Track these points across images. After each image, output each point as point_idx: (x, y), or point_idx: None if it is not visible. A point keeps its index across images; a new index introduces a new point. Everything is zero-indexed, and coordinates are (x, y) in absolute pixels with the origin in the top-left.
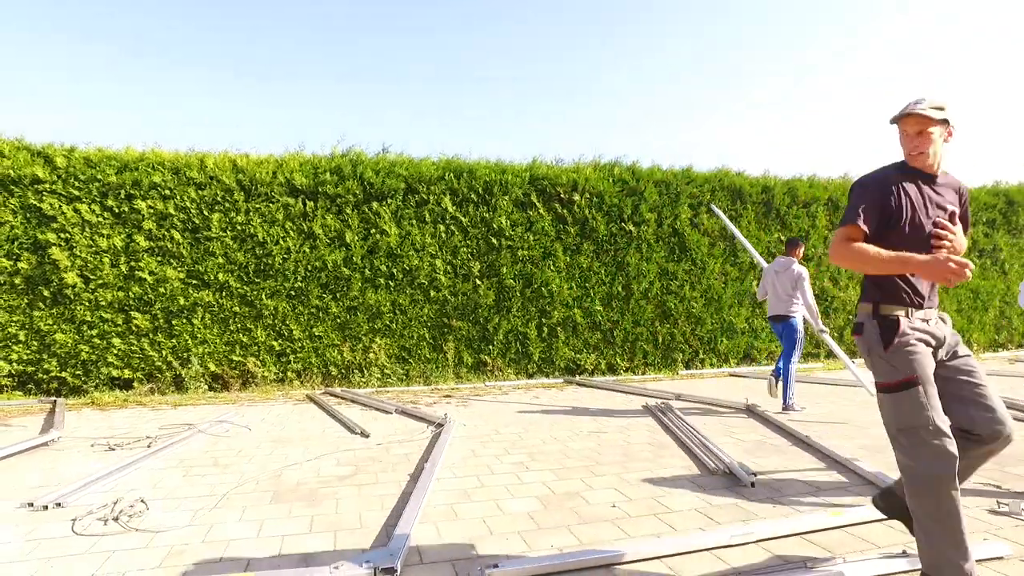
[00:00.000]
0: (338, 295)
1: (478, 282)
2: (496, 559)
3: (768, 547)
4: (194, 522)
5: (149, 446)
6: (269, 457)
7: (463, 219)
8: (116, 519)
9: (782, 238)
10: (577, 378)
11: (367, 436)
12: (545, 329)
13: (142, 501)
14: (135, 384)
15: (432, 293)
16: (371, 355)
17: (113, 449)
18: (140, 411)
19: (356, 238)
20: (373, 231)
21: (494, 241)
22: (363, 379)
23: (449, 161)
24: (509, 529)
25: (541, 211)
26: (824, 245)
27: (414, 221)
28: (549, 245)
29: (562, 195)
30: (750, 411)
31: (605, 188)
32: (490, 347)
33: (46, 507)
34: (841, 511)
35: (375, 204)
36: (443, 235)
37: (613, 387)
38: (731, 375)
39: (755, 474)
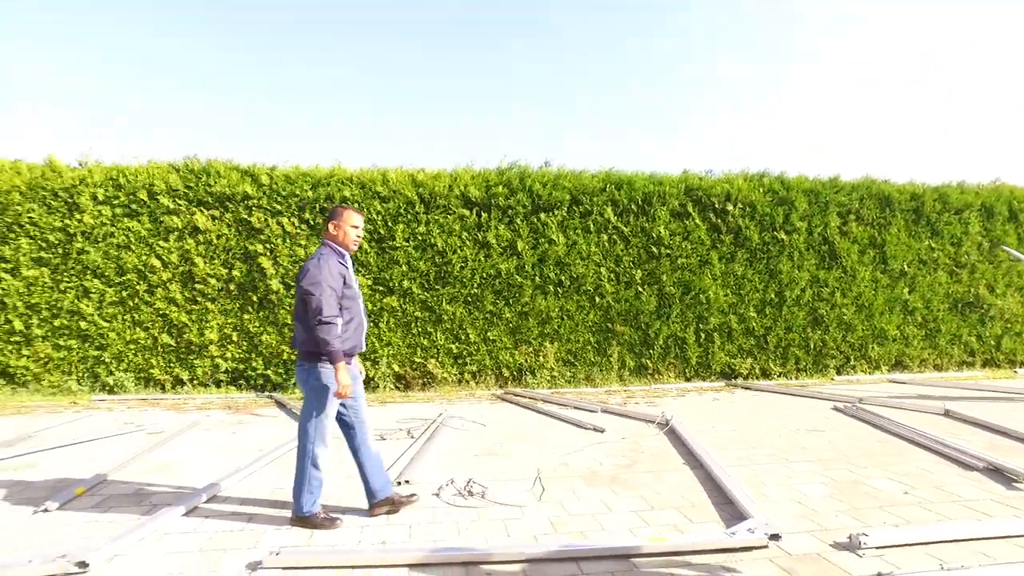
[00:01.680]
0: (511, 301)
1: (640, 289)
2: (850, 531)
3: None
4: (538, 498)
5: (410, 435)
6: (531, 448)
7: (624, 229)
8: (471, 493)
9: (933, 245)
10: (739, 382)
11: (602, 431)
12: (702, 334)
13: (473, 481)
14: None
15: (597, 299)
16: (541, 358)
17: (384, 439)
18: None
19: (527, 247)
20: (542, 240)
21: (654, 250)
22: (534, 381)
23: (609, 173)
24: (828, 508)
25: (697, 221)
26: (978, 252)
27: (579, 231)
28: (705, 253)
29: (716, 205)
30: (949, 414)
31: (756, 198)
32: (651, 351)
33: (398, 483)
34: None
35: (543, 215)
36: (606, 244)
37: (778, 390)
38: (891, 381)
39: None
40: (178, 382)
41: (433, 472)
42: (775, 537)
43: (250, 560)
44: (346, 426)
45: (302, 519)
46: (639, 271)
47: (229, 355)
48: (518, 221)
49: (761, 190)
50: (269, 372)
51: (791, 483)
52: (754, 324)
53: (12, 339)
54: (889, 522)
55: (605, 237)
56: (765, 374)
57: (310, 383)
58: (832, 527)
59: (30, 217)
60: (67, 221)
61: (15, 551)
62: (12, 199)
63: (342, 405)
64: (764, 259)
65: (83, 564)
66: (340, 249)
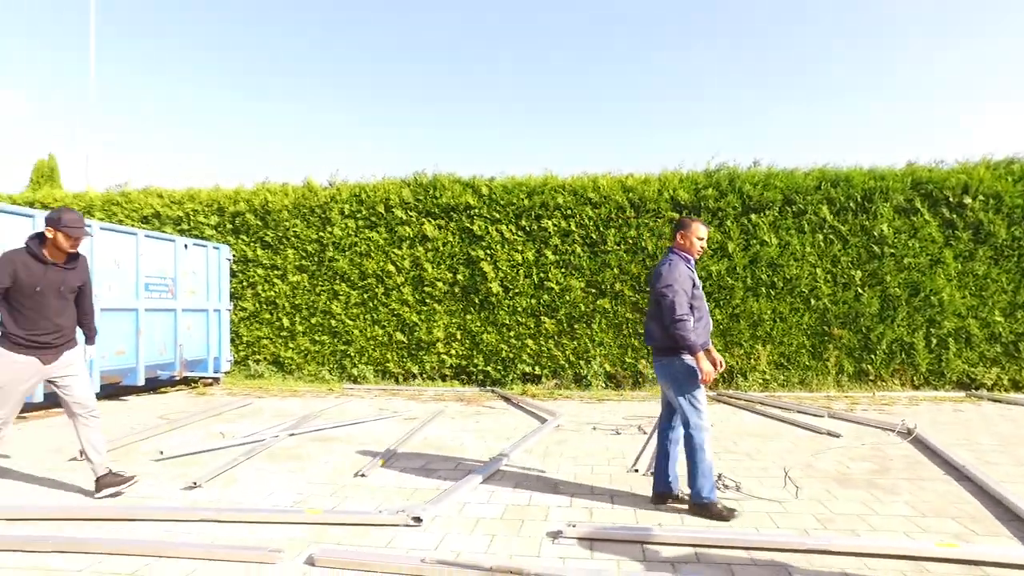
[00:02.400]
0: (721, 303)
1: (860, 290)
2: None
3: None
4: (794, 495)
5: (641, 430)
6: (767, 447)
7: (842, 228)
8: (726, 487)
9: None
10: (983, 393)
11: (838, 436)
12: (934, 339)
13: (723, 476)
14: (543, 379)
15: (812, 301)
16: (753, 361)
17: (619, 433)
18: (580, 403)
19: (737, 249)
20: (753, 242)
21: (876, 249)
22: (745, 384)
23: (823, 171)
24: None
25: (926, 216)
26: None
27: (792, 231)
28: (937, 252)
29: (950, 199)
30: None
31: (1003, 188)
32: (872, 356)
33: (651, 473)
34: None
35: (753, 216)
36: (822, 244)
37: None
38: None
39: None
40: (409, 375)
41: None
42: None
43: (550, 530)
44: (669, 415)
45: (702, 506)
46: (859, 272)
47: (453, 352)
48: (728, 223)
49: (1010, 179)
50: (489, 368)
51: None
52: (1000, 329)
53: (281, 334)
54: None
55: (820, 237)
56: (1016, 386)
57: (674, 375)
58: None
59: (295, 231)
60: (321, 233)
61: (360, 504)
62: (282, 216)
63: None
64: (1013, 257)
65: (417, 519)
66: (686, 255)
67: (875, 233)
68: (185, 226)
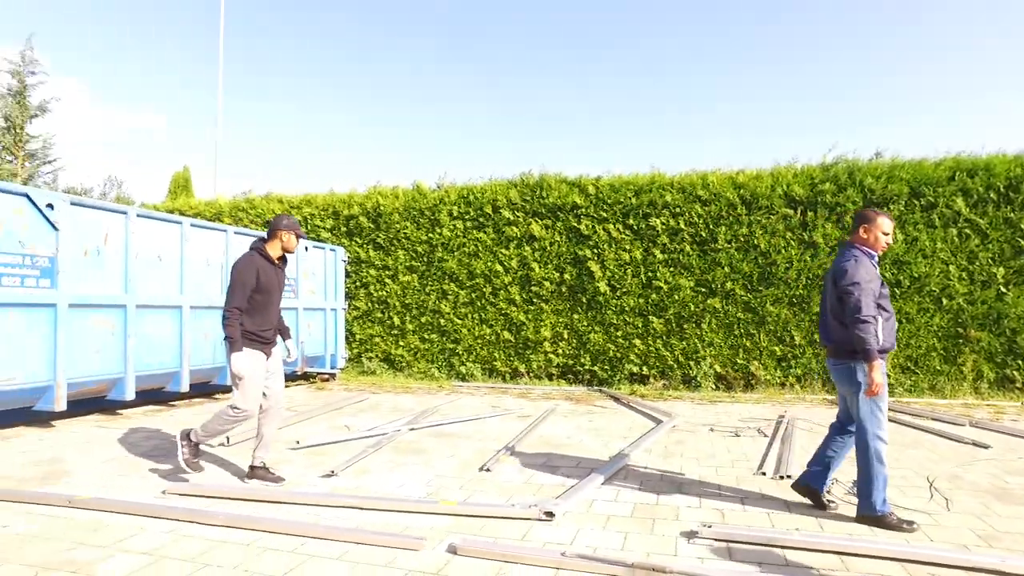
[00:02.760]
0: None
1: (1003, 290)
2: None
3: None
4: (945, 507)
5: (761, 433)
6: (904, 455)
7: (980, 221)
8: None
9: None
10: None
11: (987, 447)
12: None
13: (854, 482)
14: (650, 380)
15: (944, 301)
16: None
17: (738, 435)
18: (691, 404)
19: None
20: None
21: (1022, 243)
22: None
23: (958, 159)
24: None
25: None
26: None
27: (921, 226)
28: None
29: None
30: None
31: None
32: (1019, 362)
33: (781, 477)
34: None
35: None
36: (955, 239)
37: None
38: None
39: None
40: (516, 374)
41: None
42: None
43: (683, 530)
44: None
45: (875, 519)
46: (1001, 269)
47: (560, 351)
48: (848, 218)
49: None
50: (596, 368)
51: None
52: None
53: (392, 332)
54: None
55: (954, 231)
56: None
57: (854, 380)
58: None
59: (405, 233)
60: (430, 234)
61: (489, 497)
62: (393, 219)
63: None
64: None
65: (550, 514)
66: (870, 251)
67: (1022, 226)
68: (303, 229)
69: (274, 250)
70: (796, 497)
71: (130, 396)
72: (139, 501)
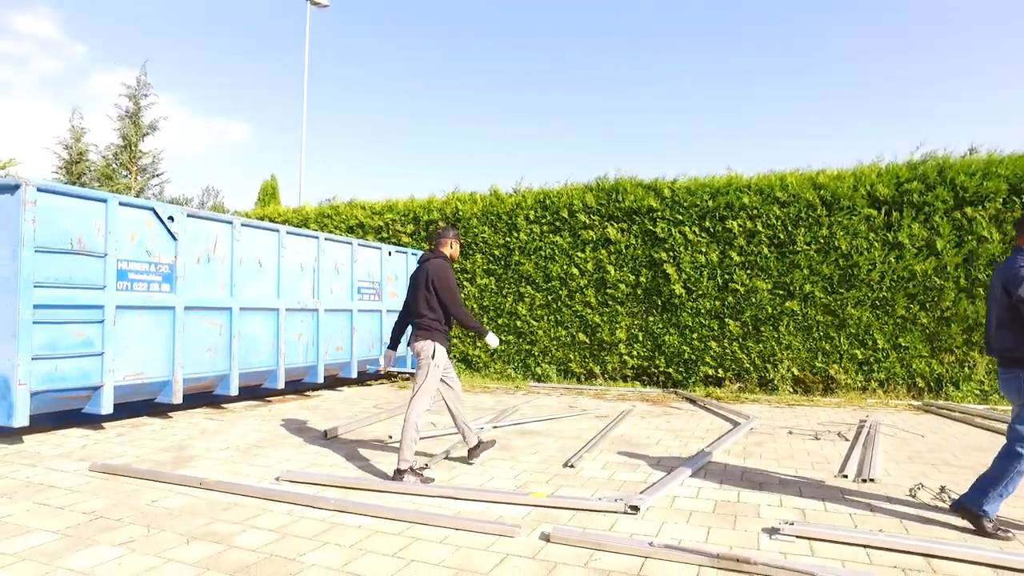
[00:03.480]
0: (927, 305)
1: None
2: None
3: None
4: None
5: (842, 436)
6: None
7: None
8: (952, 498)
9: None
10: None
11: None
12: None
13: (946, 488)
14: (725, 382)
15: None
16: (967, 369)
17: (818, 438)
18: (769, 407)
19: (948, 246)
20: (968, 238)
21: None
22: (958, 394)
23: None
24: None
25: None
26: None
27: None
28: None
29: None
30: None
31: None
32: None
33: (863, 480)
34: None
35: (969, 209)
36: None
37: None
38: None
39: None
40: (591, 375)
41: (893, 475)
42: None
43: (764, 526)
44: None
45: (974, 515)
46: None
47: (635, 353)
48: (936, 218)
49: None
50: (670, 370)
51: None
52: None
53: (470, 334)
54: None
55: None
56: None
57: (1020, 390)
58: None
59: (482, 236)
60: (507, 238)
61: (575, 491)
62: (471, 223)
63: None
64: None
65: (635, 508)
66: None
67: None
68: (385, 234)
69: (450, 257)
70: (878, 499)
71: (234, 392)
72: (259, 485)
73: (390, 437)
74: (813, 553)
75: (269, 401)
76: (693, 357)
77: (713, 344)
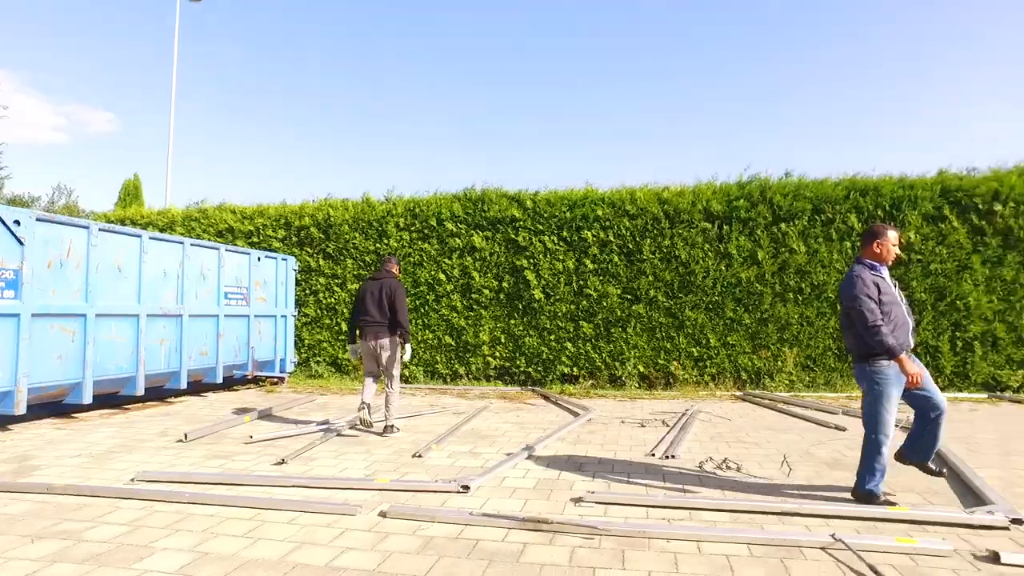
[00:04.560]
0: (750, 308)
1: None
2: None
3: None
4: (786, 475)
5: (665, 424)
6: (774, 438)
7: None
8: (728, 468)
9: None
10: (1007, 395)
11: (844, 430)
12: (959, 343)
13: (728, 459)
14: (580, 380)
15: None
16: (780, 363)
17: (644, 426)
18: (613, 401)
19: (767, 256)
20: (782, 250)
21: (903, 255)
22: (772, 384)
23: (853, 180)
24: None
25: (954, 223)
26: None
27: (821, 239)
28: (964, 258)
29: (979, 206)
30: None
31: None
32: None
33: (665, 457)
34: None
35: (783, 225)
36: (849, 251)
37: None
38: None
39: None
40: (456, 375)
41: (694, 452)
42: (1017, 521)
43: (573, 496)
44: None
45: (863, 495)
46: None
47: (498, 354)
48: (759, 232)
49: None
50: (530, 369)
51: None
52: None
53: (340, 337)
54: None
55: (848, 244)
56: None
57: (862, 380)
58: None
59: (354, 243)
60: (378, 245)
61: (419, 477)
62: (343, 229)
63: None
64: None
65: (466, 487)
66: (874, 263)
67: (902, 240)
68: (255, 239)
69: None
70: (672, 472)
71: (88, 400)
72: (112, 486)
73: (251, 437)
74: (606, 514)
75: (128, 408)
76: (551, 357)
77: (569, 345)
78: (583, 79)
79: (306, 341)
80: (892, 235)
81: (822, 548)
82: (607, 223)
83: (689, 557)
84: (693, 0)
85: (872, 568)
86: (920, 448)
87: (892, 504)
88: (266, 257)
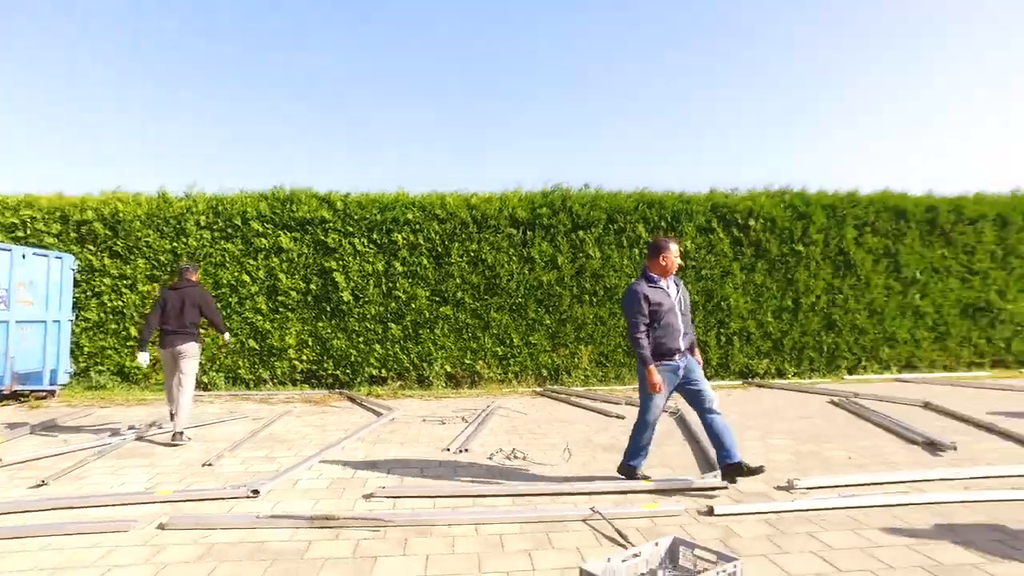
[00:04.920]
0: (551, 309)
1: None
2: (789, 479)
3: (980, 482)
4: (566, 460)
5: (464, 420)
6: (563, 429)
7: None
8: (516, 457)
9: (946, 254)
10: (755, 381)
11: (623, 418)
12: (723, 338)
13: (516, 449)
14: (388, 381)
15: None
16: (576, 360)
17: (444, 423)
18: (420, 401)
19: (566, 261)
20: (580, 255)
21: (681, 262)
22: (570, 380)
23: (642, 194)
24: (785, 468)
25: (720, 235)
26: (990, 260)
27: (614, 246)
28: (727, 265)
29: (739, 221)
30: (928, 406)
31: (777, 213)
32: None
33: (460, 451)
34: None
35: (581, 232)
36: (638, 257)
37: (789, 388)
38: (897, 380)
39: (953, 444)
40: (260, 381)
41: (487, 446)
42: (734, 481)
43: (365, 493)
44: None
45: (625, 469)
46: None
47: (304, 357)
48: (559, 238)
49: (782, 205)
50: (338, 372)
51: (766, 453)
52: (771, 328)
53: (128, 343)
54: (836, 477)
55: (637, 251)
56: (780, 374)
57: (639, 373)
58: (781, 479)
59: (147, 241)
60: (175, 243)
61: (207, 486)
62: (134, 226)
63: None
64: (782, 269)
65: (255, 492)
66: (652, 275)
67: (681, 248)
68: (21, 233)
69: None
70: (464, 464)
71: None
72: None
73: (1, 460)
74: (395, 508)
75: None
76: (359, 359)
77: (377, 347)
78: (405, 86)
79: (86, 348)
80: (674, 248)
81: (583, 520)
82: (417, 226)
83: (466, 539)
84: (497, 13)
85: (618, 531)
86: (721, 451)
87: (647, 478)
88: (35, 255)
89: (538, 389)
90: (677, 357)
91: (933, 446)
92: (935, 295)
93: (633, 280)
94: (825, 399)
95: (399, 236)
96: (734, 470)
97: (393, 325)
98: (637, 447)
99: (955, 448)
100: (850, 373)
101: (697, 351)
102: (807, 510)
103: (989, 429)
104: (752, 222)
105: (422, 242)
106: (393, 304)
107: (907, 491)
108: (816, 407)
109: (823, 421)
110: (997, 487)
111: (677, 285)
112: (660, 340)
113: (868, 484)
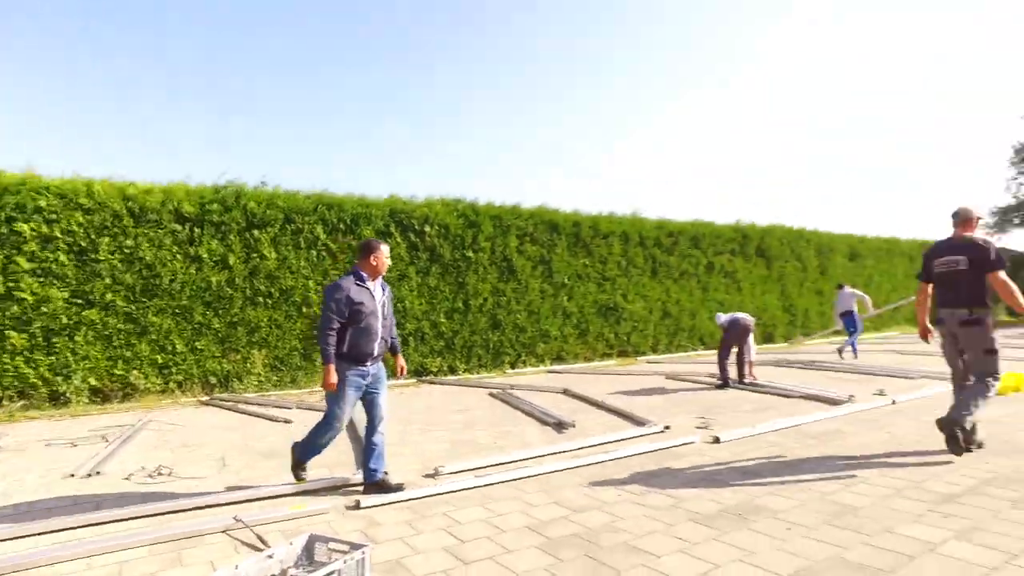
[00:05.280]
0: (220, 312)
1: None
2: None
3: (584, 451)
4: (218, 471)
5: (105, 440)
6: (225, 438)
7: (333, 246)
8: (160, 474)
9: (587, 262)
10: (429, 378)
11: (291, 422)
12: (399, 338)
13: (162, 466)
14: (4, 402)
15: (304, 310)
16: (249, 365)
17: (76, 446)
18: (48, 423)
19: (239, 261)
20: (254, 255)
21: (390, 262)
22: (241, 386)
23: (321, 195)
24: (439, 457)
25: (398, 239)
26: (617, 268)
27: (291, 247)
28: (404, 268)
29: (416, 226)
30: (567, 392)
31: (450, 221)
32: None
33: (89, 475)
34: (619, 435)
35: (256, 231)
36: (315, 259)
37: (458, 383)
38: (549, 372)
39: (573, 423)
40: None
41: (127, 465)
42: (385, 474)
43: None
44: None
45: (294, 462)
46: None
47: None
48: (231, 237)
49: (455, 214)
50: None
51: (423, 444)
52: (444, 328)
53: None
54: (482, 459)
55: (315, 253)
56: (452, 371)
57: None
58: (433, 467)
59: None
60: None
61: None
62: None
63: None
64: (454, 273)
65: None
66: (362, 273)
67: (343, 249)
68: None
69: None
70: (92, 490)
71: None
72: None
73: None
74: None
75: None
76: None
77: None
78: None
79: None
80: (384, 249)
81: (224, 531)
82: (52, 216)
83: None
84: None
85: (259, 537)
86: (369, 469)
87: (302, 479)
88: None
89: (204, 398)
90: (369, 363)
91: (560, 426)
92: (579, 297)
93: (339, 278)
94: (487, 392)
95: (26, 227)
96: (376, 487)
97: (14, 333)
98: (310, 444)
99: (574, 425)
100: (512, 367)
101: (401, 356)
102: (445, 493)
103: (599, 406)
104: (428, 228)
105: (59, 235)
106: (15, 308)
107: (529, 466)
108: (477, 400)
109: (481, 412)
110: (594, 453)
111: (383, 289)
112: (356, 342)
113: (502, 464)
